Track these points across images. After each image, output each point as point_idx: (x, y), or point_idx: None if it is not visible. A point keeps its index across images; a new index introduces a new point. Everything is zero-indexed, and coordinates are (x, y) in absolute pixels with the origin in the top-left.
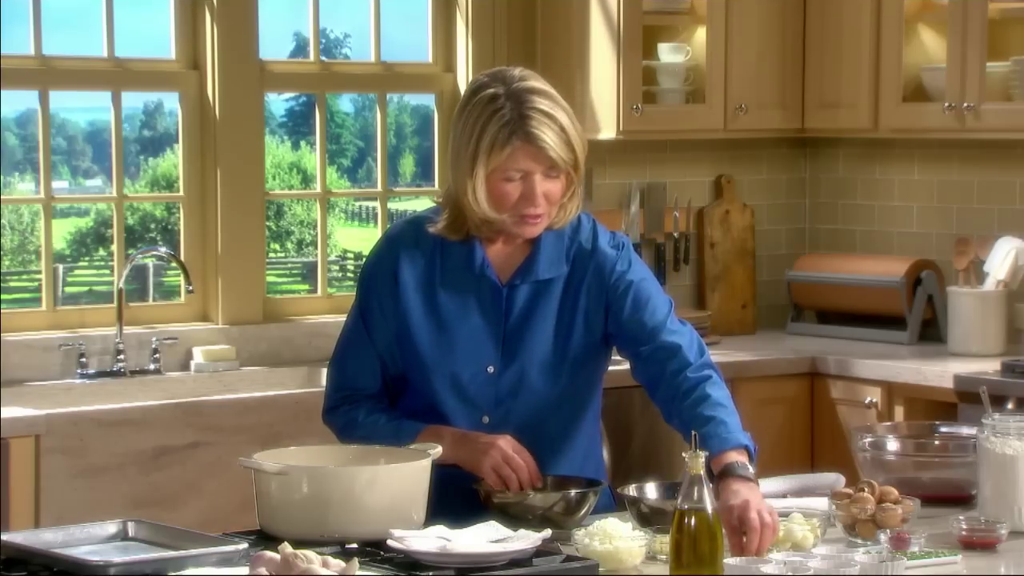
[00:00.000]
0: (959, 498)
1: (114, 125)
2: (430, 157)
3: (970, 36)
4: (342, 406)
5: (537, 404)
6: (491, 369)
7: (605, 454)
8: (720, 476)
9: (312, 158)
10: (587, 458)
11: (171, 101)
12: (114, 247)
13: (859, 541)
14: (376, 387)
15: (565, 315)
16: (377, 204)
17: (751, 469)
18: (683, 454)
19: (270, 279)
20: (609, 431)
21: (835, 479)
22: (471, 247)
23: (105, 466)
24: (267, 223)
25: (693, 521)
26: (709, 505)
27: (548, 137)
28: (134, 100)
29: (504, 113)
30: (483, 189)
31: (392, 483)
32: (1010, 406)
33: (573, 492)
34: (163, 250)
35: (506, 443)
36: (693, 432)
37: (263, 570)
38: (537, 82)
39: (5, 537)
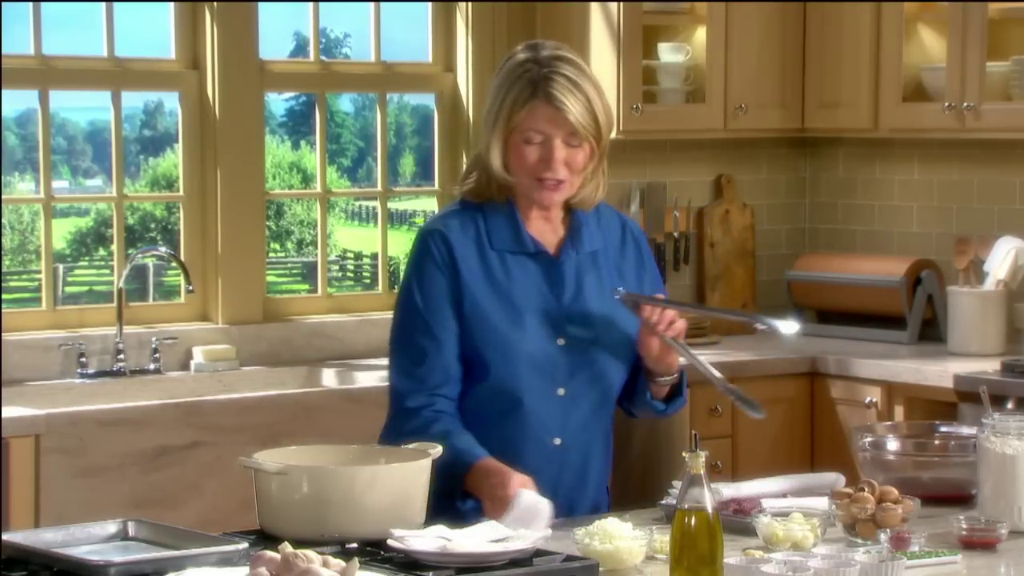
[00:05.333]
0: (959, 498)
1: (114, 125)
2: (430, 157)
3: (970, 36)
4: (421, 411)
5: (605, 376)
6: (561, 342)
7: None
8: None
9: (312, 158)
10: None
11: (171, 101)
12: (114, 247)
13: (859, 541)
14: (448, 385)
15: (613, 285)
16: (377, 204)
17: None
18: (683, 454)
19: (270, 279)
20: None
21: (835, 479)
22: (515, 227)
23: (105, 466)
24: (267, 223)
25: (693, 521)
26: (709, 505)
27: (568, 100)
28: (134, 100)
29: (530, 76)
30: (499, 148)
31: (392, 483)
32: (1010, 406)
33: None
34: (163, 250)
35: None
36: (693, 432)
37: (263, 570)
38: (567, 53)
39: (5, 537)
